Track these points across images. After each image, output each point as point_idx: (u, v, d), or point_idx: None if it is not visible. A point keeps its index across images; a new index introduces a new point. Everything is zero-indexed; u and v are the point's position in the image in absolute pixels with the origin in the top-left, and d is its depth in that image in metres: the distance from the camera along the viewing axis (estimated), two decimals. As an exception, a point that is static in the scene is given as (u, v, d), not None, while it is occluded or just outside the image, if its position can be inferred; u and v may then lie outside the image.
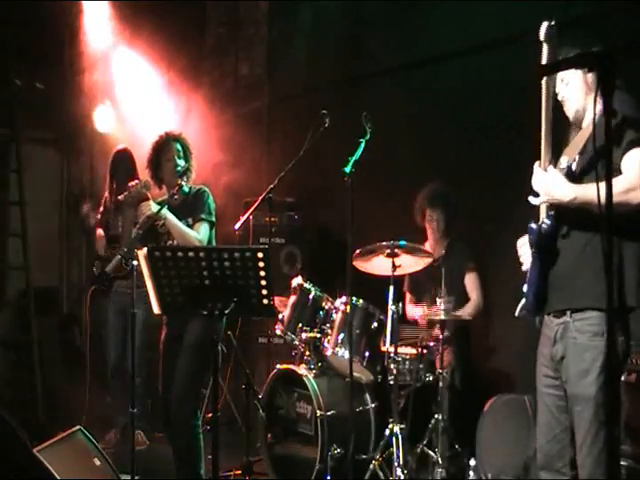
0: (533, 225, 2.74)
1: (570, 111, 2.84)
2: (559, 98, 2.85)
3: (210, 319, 2.98)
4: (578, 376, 2.64)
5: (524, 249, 2.83)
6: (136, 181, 4.14)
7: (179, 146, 4.08)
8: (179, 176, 3.99)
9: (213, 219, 4.02)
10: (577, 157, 2.70)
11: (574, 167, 2.68)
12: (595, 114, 2.45)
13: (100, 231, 5.33)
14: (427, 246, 4.76)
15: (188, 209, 4.01)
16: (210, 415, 2.95)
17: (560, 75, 2.82)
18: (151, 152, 4.11)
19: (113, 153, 5.37)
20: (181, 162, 4.04)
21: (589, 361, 2.61)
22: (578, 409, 2.65)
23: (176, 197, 3.95)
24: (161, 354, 4.06)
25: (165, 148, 4.07)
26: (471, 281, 4.65)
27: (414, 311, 4.76)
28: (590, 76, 2.74)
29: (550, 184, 2.66)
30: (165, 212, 3.85)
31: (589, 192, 2.49)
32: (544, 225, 2.70)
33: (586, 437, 2.62)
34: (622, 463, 3.46)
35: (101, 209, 5.41)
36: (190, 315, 3.79)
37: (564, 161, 2.76)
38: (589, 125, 2.75)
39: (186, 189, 4.07)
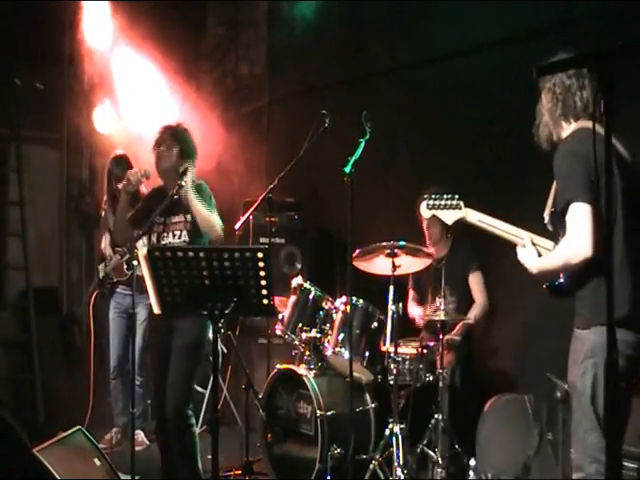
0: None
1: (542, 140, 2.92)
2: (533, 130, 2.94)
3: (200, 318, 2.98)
4: (570, 365, 2.71)
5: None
6: (136, 169, 4.12)
7: (174, 136, 4.07)
8: (179, 175, 3.98)
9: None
10: (551, 210, 2.83)
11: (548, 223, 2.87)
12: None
13: (103, 236, 5.34)
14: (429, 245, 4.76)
15: (183, 203, 4.00)
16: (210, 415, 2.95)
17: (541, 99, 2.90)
18: (153, 145, 4.13)
19: (110, 158, 5.36)
20: (174, 150, 4.03)
21: (578, 352, 2.66)
22: (573, 398, 2.71)
23: (176, 197, 3.95)
24: (152, 352, 4.04)
25: (161, 139, 4.08)
26: (475, 282, 4.64)
27: (416, 311, 4.76)
28: (557, 109, 2.80)
29: (522, 260, 2.84)
30: (192, 196, 3.88)
31: (547, 262, 2.74)
32: (548, 287, 2.85)
33: (577, 427, 2.66)
34: (629, 464, 3.47)
35: (102, 213, 5.42)
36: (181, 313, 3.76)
37: (546, 215, 2.88)
38: None
39: (183, 184, 4.07)
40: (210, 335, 3.88)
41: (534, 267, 2.79)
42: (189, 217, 3.99)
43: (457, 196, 3.01)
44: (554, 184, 2.82)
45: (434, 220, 4.58)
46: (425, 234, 4.73)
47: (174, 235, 4.00)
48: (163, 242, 4.00)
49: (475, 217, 2.98)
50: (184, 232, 3.99)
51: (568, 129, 2.79)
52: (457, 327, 4.53)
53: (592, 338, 2.61)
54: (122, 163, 5.27)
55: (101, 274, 5.25)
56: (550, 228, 2.86)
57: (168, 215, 4.01)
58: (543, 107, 2.85)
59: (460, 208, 3.00)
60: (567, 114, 2.78)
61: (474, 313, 4.54)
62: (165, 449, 4.01)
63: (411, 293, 4.92)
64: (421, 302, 4.84)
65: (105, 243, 5.31)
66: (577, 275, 2.69)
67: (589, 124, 2.67)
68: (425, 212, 3.05)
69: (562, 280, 2.79)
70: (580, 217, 2.56)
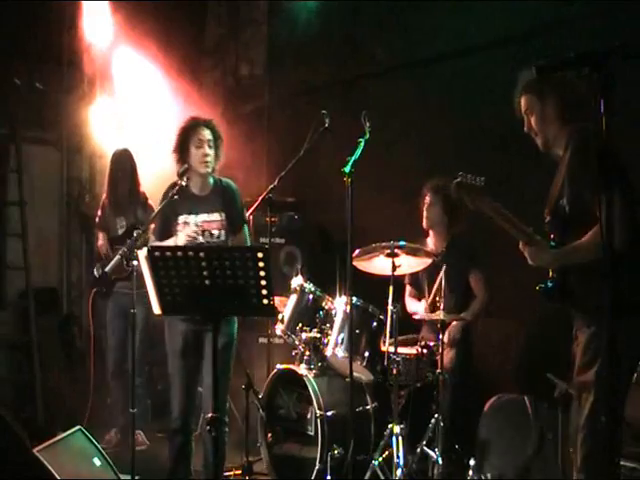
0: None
1: (538, 142, 2.93)
2: (525, 130, 2.95)
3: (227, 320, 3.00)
4: (582, 366, 2.74)
5: None
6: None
7: (209, 133, 3.96)
8: (179, 175, 3.96)
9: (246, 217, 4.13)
10: (556, 206, 2.82)
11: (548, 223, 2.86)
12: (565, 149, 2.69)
13: (101, 233, 5.33)
14: (428, 241, 4.75)
15: (217, 201, 3.99)
16: (210, 415, 2.95)
17: (523, 105, 2.94)
18: (178, 137, 3.97)
19: (113, 154, 5.35)
20: (211, 151, 3.94)
21: (592, 353, 2.69)
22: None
23: (176, 197, 3.91)
24: (184, 356, 3.95)
25: (194, 133, 3.93)
26: (476, 280, 4.61)
27: (414, 306, 4.75)
28: (551, 102, 2.85)
29: (533, 255, 2.83)
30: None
31: (575, 249, 2.73)
32: (541, 288, 2.86)
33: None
34: (626, 464, 3.47)
35: (99, 212, 5.40)
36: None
37: (546, 214, 2.89)
38: (561, 166, 2.83)
39: (211, 180, 4.04)
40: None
41: (552, 259, 2.78)
42: (224, 215, 3.97)
43: (483, 178, 3.00)
44: (553, 184, 2.81)
45: (437, 201, 4.62)
46: (423, 217, 4.71)
47: (212, 235, 3.94)
48: (197, 242, 3.87)
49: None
50: (222, 232, 3.96)
51: (568, 129, 2.81)
52: (454, 323, 4.52)
53: (596, 337, 2.65)
54: (125, 158, 5.26)
55: (98, 272, 5.23)
56: (547, 228, 2.85)
57: (197, 213, 3.94)
58: (544, 110, 2.87)
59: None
60: (569, 117, 2.82)
61: (473, 308, 4.54)
62: (180, 450, 3.97)
63: (408, 288, 4.90)
64: (419, 297, 4.83)
65: (102, 241, 5.30)
66: (583, 271, 2.69)
67: (588, 125, 2.69)
68: (454, 190, 2.99)
69: (552, 281, 2.80)
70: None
